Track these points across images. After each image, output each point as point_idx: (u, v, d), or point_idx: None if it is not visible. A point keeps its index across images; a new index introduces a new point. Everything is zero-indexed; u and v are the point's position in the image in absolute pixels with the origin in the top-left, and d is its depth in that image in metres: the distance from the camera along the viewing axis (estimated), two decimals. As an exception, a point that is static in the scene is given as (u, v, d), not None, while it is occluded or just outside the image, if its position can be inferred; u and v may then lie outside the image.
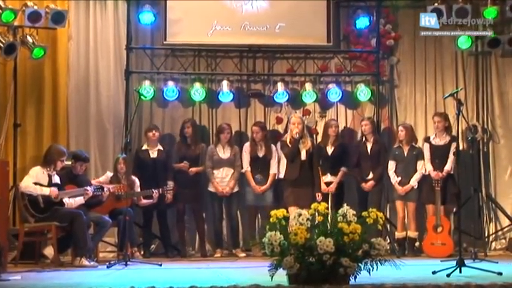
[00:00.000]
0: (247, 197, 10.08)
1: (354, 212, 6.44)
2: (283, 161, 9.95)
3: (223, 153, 10.07)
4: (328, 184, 9.97)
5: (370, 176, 10.08)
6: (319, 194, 9.61)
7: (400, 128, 10.18)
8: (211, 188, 10.07)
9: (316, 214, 6.41)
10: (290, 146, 9.76)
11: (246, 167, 10.02)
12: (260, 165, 10.03)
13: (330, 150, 10.08)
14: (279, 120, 10.73)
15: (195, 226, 10.22)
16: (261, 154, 10.04)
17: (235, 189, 10.09)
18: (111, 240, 10.11)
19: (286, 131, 10.37)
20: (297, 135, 9.67)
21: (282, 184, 10.01)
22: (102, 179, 9.68)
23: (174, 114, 10.71)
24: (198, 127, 10.40)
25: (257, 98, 10.84)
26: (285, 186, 9.88)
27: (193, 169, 9.97)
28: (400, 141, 10.12)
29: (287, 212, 6.51)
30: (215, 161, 10.05)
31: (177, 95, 10.47)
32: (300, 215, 6.37)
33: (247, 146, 10.13)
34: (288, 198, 9.72)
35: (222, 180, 10.05)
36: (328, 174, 10.03)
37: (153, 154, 9.99)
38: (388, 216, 10.39)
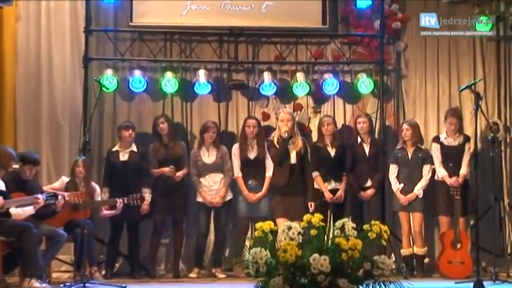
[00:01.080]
0: (240, 208, 9.98)
1: (354, 225, 6.37)
2: (270, 165, 9.86)
3: (208, 156, 9.99)
4: (333, 192, 9.91)
5: (369, 182, 10.04)
6: (312, 204, 9.49)
7: (405, 126, 10.09)
8: (199, 199, 9.98)
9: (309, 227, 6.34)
10: (278, 146, 9.65)
11: (237, 172, 9.94)
12: (253, 168, 9.92)
13: (332, 151, 10.02)
14: (266, 117, 10.67)
15: (173, 241, 10.16)
16: (252, 155, 9.93)
17: (228, 198, 10.01)
18: (67, 258, 10.01)
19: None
20: (286, 135, 9.54)
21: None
22: (56, 185, 9.59)
23: (141, 109, 10.67)
24: (172, 123, 10.32)
25: (239, 90, 10.80)
26: (272, 194, 9.79)
27: (180, 173, 9.89)
28: (404, 141, 10.05)
29: (275, 224, 6.44)
30: (199, 167, 9.97)
31: (145, 86, 10.40)
32: (290, 228, 6.30)
33: (236, 147, 10.04)
34: (276, 208, 9.57)
35: (210, 188, 9.96)
36: (332, 181, 9.98)
37: (124, 156, 9.92)
38: (391, 229, 10.35)
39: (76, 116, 10.31)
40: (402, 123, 10.33)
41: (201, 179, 9.95)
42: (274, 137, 9.72)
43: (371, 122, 10.23)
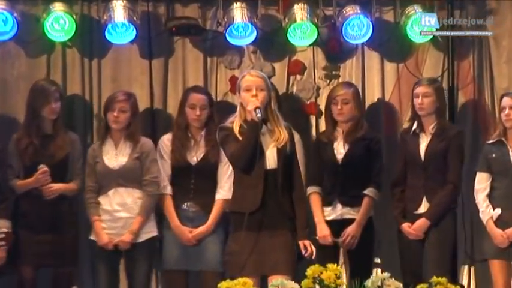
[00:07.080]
0: (166, 252, 10.09)
1: (400, 285, 6.42)
2: (229, 173, 9.77)
3: (115, 156, 10.08)
4: (337, 225, 10.00)
5: (423, 207, 10.07)
6: (308, 245, 9.19)
7: (508, 101, 10.02)
8: (93, 236, 10.06)
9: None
10: (241, 138, 9.30)
11: (164, 185, 10.06)
12: (193, 181, 10.05)
13: (339, 151, 10.12)
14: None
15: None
16: (195, 157, 10.07)
17: (148, 235, 10.05)
18: None
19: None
20: (258, 115, 9.19)
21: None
22: None
23: (7, 72, 10.79)
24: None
25: (189, 37, 10.91)
26: (232, 228, 9.31)
27: (59, 186, 9.92)
28: (504, 131, 10.05)
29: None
30: (99, 175, 10.06)
31: (15, 29, 10.46)
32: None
33: (165, 140, 10.16)
34: (238, 257, 9.05)
35: (113, 215, 10.03)
36: (338, 204, 10.07)
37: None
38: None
39: None
40: (501, 97, 10.20)
41: (100, 198, 10.05)
42: (235, 122, 9.31)
43: (440, 95, 10.22)
